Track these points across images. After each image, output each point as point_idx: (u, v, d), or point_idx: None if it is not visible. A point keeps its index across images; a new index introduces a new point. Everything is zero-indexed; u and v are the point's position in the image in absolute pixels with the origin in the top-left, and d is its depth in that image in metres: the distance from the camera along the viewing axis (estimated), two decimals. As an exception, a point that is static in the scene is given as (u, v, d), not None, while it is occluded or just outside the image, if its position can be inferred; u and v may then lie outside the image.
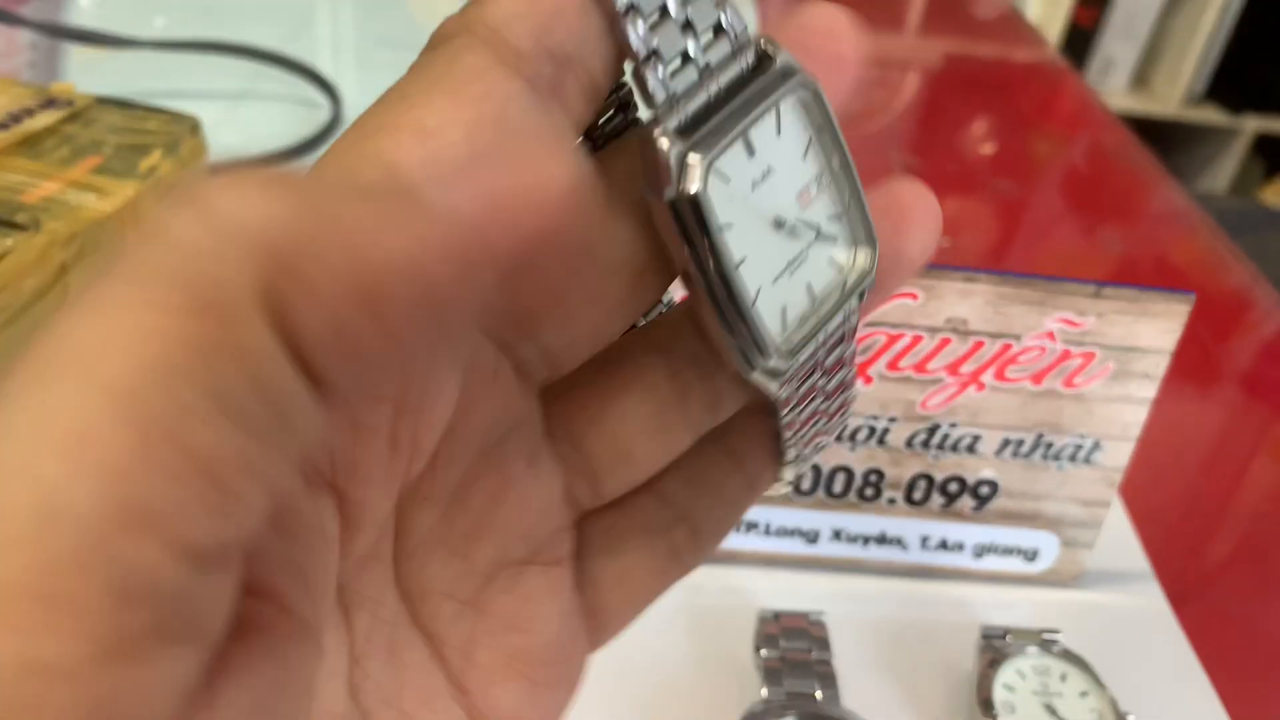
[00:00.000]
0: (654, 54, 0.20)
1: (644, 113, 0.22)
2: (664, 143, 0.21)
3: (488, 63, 0.18)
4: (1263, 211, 2.02)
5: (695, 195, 0.21)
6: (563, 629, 0.24)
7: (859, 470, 0.50)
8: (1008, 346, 0.47)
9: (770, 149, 0.23)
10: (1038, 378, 0.48)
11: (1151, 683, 0.48)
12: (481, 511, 0.23)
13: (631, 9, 0.20)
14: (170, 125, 0.58)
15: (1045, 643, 0.47)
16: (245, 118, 0.79)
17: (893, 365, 0.47)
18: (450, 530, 0.22)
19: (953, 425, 0.49)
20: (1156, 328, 0.46)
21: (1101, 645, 0.48)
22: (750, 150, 0.22)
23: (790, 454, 0.27)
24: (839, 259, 0.25)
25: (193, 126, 0.59)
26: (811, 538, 0.52)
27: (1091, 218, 0.94)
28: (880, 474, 0.50)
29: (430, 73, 0.18)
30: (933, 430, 0.49)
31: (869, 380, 0.48)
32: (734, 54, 0.22)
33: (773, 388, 0.24)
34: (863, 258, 0.25)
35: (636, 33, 0.20)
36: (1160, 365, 0.47)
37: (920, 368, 0.47)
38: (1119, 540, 0.55)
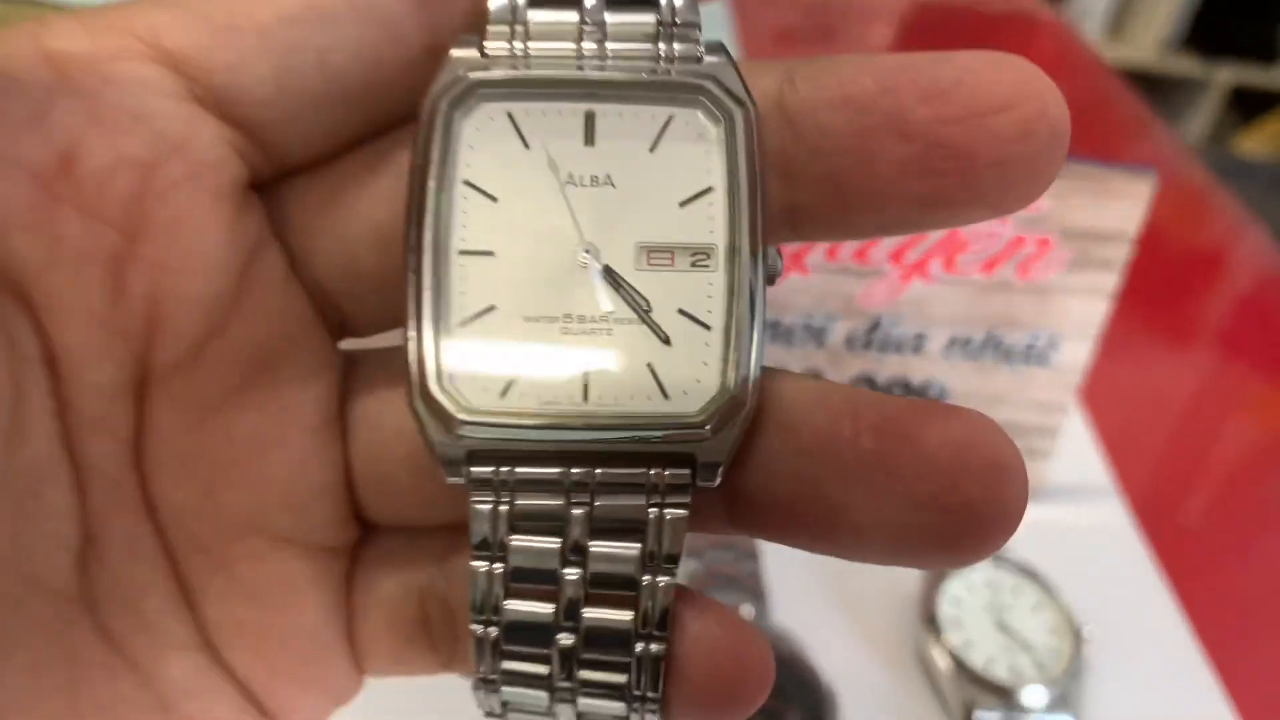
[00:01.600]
0: None
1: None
2: (457, 50, 0.17)
3: None
4: (1238, 163, 1.99)
5: (434, 102, 0.17)
6: (318, 629, 0.20)
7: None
8: (955, 232, 0.43)
9: (625, 158, 0.17)
10: (989, 266, 0.43)
11: (1110, 595, 0.44)
12: (245, 448, 0.19)
13: None
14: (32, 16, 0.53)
15: (996, 555, 0.43)
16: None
17: (831, 254, 0.43)
18: (200, 452, 0.18)
19: (897, 320, 0.44)
20: (1118, 210, 0.42)
21: (1059, 560, 0.44)
22: (589, 136, 0.17)
23: (476, 662, 0.18)
24: (664, 372, 0.17)
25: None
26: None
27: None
28: (818, 377, 0.46)
29: None
30: (874, 327, 0.44)
31: (805, 271, 0.43)
32: (655, 36, 0.17)
33: (432, 436, 0.17)
34: (703, 392, 0.17)
35: None
36: (1122, 252, 0.43)
37: (861, 256, 0.43)
38: (1078, 452, 0.52)
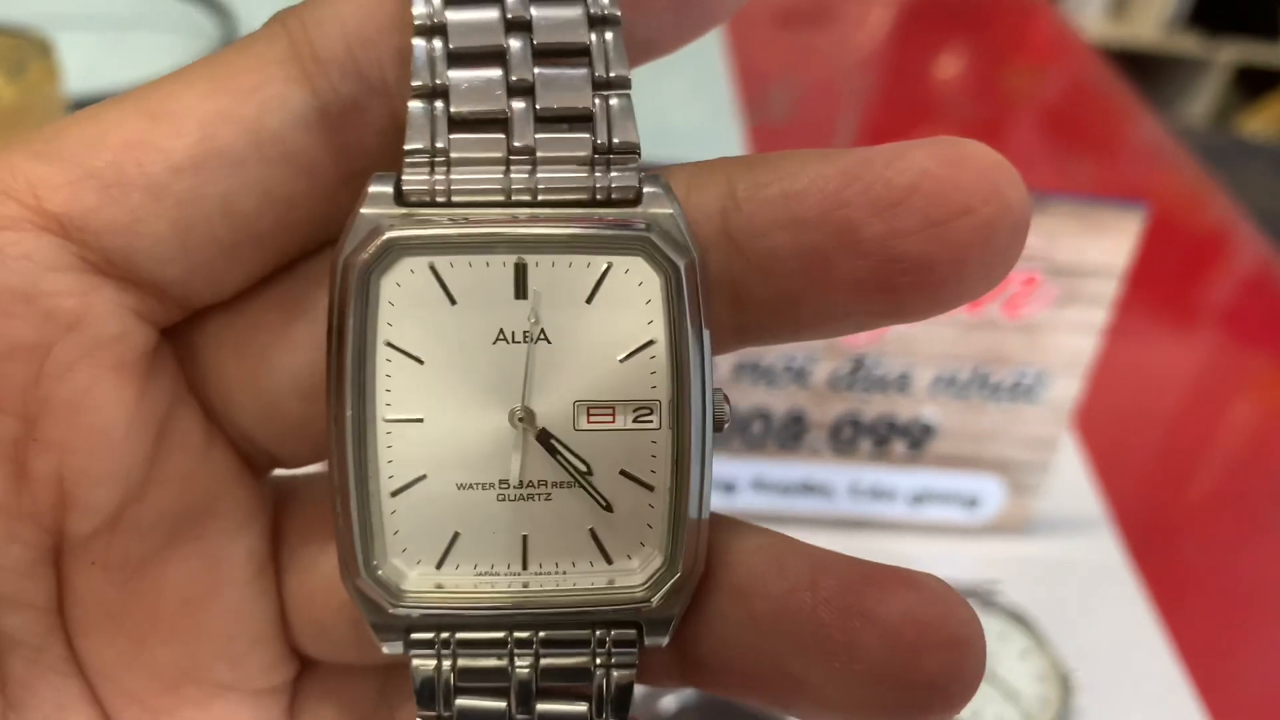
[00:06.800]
0: (438, 93, 0.15)
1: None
2: (372, 191, 0.16)
3: (278, 57, 0.15)
4: (1241, 145, 1.97)
5: (347, 261, 0.15)
6: None
7: (779, 412, 0.45)
8: (939, 270, 0.42)
9: (560, 312, 0.16)
10: (974, 305, 0.43)
11: (1101, 641, 0.44)
12: (176, 603, 0.18)
13: (433, 30, 0.15)
14: (16, 47, 0.52)
15: (984, 597, 0.42)
16: (127, 45, 0.73)
17: (812, 294, 0.42)
18: (129, 609, 0.18)
19: (880, 360, 0.44)
20: (1106, 245, 0.41)
21: (1048, 601, 0.43)
22: (520, 289, 0.16)
23: None
24: (606, 537, 0.16)
25: (42, 48, 0.53)
26: (729, 488, 0.47)
27: (1067, 153, 0.89)
28: (802, 416, 0.45)
29: (223, 54, 0.16)
30: (858, 367, 0.44)
31: (786, 312, 0.42)
32: (590, 162, 0.15)
33: (367, 615, 0.16)
34: (649, 564, 0.16)
35: (424, 58, 0.15)
36: (1110, 288, 0.42)
37: (842, 296, 0.42)
38: (1071, 485, 0.51)
